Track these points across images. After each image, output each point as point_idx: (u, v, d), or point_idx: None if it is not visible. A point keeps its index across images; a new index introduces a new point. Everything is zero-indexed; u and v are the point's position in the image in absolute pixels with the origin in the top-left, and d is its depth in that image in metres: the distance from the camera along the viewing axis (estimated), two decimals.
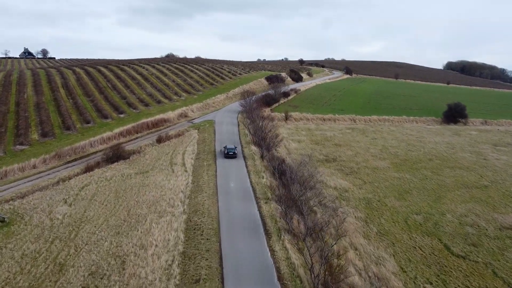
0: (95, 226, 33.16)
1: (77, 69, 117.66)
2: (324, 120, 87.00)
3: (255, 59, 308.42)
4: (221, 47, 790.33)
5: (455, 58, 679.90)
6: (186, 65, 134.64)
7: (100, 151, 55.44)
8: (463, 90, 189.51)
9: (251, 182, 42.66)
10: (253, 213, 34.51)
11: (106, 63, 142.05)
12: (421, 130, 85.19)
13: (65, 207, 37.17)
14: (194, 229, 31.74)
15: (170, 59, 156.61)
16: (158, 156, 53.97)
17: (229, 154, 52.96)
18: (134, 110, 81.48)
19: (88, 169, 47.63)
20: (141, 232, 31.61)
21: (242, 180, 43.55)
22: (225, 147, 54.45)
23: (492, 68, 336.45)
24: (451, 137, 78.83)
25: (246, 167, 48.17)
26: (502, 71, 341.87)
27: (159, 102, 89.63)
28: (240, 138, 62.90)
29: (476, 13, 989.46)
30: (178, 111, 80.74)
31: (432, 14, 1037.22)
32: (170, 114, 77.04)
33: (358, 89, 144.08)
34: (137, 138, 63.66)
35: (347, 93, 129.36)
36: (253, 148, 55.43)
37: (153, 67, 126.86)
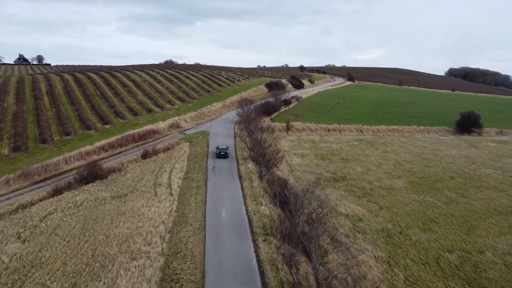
0: (48, 273, 26.07)
1: (66, 76, 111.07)
2: (328, 130, 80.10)
3: (255, 66, 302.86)
4: (221, 54, 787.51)
5: (455, 65, 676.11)
6: (182, 72, 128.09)
7: (76, 168, 48.37)
8: (469, 97, 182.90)
9: (247, 210, 35.50)
10: (248, 257, 27.30)
11: (98, 69, 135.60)
12: (434, 141, 78.25)
13: (17, 245, 30.09)
14: (172, 281, 24.61)
15: (165, 65, 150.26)
16: (141, 174, 46.96)
17: (221, 154, 53.81)
18: (121, 120, 74.59)
19: (57, 192, 40.61)
20: (103, 284, 24.53)
21: (236, 207, 36.44)
22: (217, 148, 55.37)
23: (495, 75, 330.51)
24: (468, 149, 71.86)
25: (242, 189, 41.07)
26: (506, 77, 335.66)
27: (150, 111, 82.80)
28: (236, 153, 55.91)
29: (474, 21, 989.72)
30: (170, 121, 73.88)
31: (431, 22, 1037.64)
32: (160, 125, 70.15)
33: (362, 96, 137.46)
34: (120, 152, 56.67)
35: (351, 100, 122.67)
36: (251, 165, 48.45)
37: (147, 73, 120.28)
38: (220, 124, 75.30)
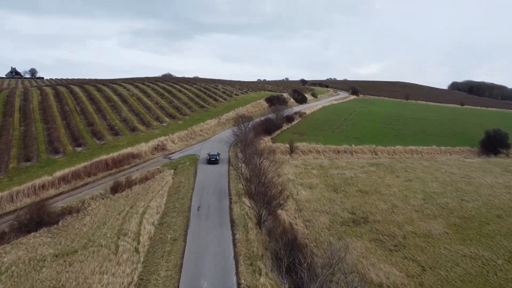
0: None
1: (47, 89, 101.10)
2: (338, 152, 69.47)
3: (255, 80, 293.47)
4: (221, 67, 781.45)
5: (455, 78, 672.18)
6: (175, 85, 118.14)
7: (23, 208, 37.54)
8: (482, 112, 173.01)
9: (239, 284, 24.52)
10: None
11: (85, 82, 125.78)
12: (461, 165, 67.53)
13: None
14: None
15: (158, 78, 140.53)
16: (104, 218, 36.16)
17: (211, 161, 54.12)
18: (97, 141, 64.09)
19: None
20: None
21: (223, 278, 25.42)
22: (208, 154, 55.75)
23: (502, 88, 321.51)
24: (504, 176, 61.08)
25: (234, 244, 30.08)
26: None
27: (133, 129, 72.34)
28: (229, 185, 45.08)
29: (473, 33, 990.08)
30: (154, 142, 63.35)
31: (429, 36, 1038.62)
32: (142, 147, 59.59)
33: (370, 111, 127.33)
34: (86, 184, 45.88)
35: (359, 116, 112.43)
36: (247, 204, 37.47)
37: (136, 87, 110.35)
38: (213, 146, 64.67)
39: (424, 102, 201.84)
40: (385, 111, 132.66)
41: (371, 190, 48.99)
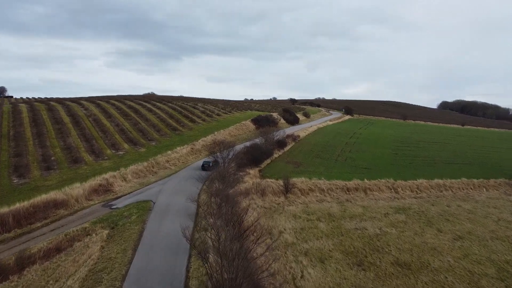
0: None
1: None
2: (348, 191, 52.32)
3: (241, 99, 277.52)
4: (208, 88, 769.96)
5: (439, 98, 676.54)
6: (145, 104, 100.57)
7: None
8: (488, 133, 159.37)
9: None
10: None
11: (41, 100, 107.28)
12: (509, 206, 51.12)
13: None
14: None
15: (127, 96, 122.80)
16: None
17: (204, 167, 53.42)
18: (15, 180, 45.78)
19: None
20: None
21: None
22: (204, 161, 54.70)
23: (496, 108, 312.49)
24: None
25: None
26: (507, 110, 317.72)
27: (75, 161, 54.28)
28: (188, 271, 26.81)
29: (455, 57, 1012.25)
30: (96, 180, 45.33)
31: (413, 58, 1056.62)
32: (74, 190, 41.49)
33: (372, 134, 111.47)
34: None
35: (361, 140, 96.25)
36: None
37: (98, 105, 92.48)
38: (178, 185, 46.82)
39: (422, 122, 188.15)
40: (388, 133, 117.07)
41: (414, 261, 31.62)
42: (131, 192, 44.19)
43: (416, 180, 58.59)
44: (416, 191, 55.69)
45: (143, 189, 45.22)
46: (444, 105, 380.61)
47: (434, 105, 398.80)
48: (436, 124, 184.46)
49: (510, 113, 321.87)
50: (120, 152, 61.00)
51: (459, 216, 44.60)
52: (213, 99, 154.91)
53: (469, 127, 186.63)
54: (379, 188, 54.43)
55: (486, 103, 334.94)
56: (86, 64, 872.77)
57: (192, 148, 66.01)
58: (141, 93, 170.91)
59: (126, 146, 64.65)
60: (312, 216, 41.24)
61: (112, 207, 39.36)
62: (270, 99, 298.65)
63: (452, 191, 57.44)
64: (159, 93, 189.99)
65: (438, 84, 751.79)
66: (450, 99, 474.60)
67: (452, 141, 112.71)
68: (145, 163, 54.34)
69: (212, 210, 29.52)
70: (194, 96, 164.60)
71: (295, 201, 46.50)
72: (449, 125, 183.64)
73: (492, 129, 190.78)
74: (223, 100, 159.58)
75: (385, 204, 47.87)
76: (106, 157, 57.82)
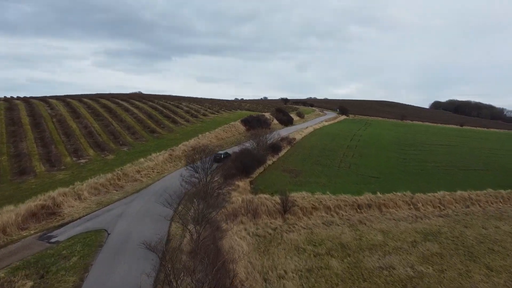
0: None
1: None
2: (359, 208, 42.66)
3: (232, 99, 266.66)
4: (199, 88, 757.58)
5: (428, 98, 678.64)
6: (122, 102, 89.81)
7: None
8: (490, 134, 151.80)
9: None
10: None
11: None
12: None
13: None
14: None
15: (102, 94, 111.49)
16: None
17: (216, 159, 52.88)
18: None
19: None
20: None
21: None
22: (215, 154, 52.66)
23: (491, 108, 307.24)
24: None
25: None
26: (501, 110, 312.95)
27: (22, 172, 43.68)
28: None
29: (443, 59, 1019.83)
30: (39, 199, 34.86)
31: (401, 58, 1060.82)
32: (4, 215, 30.98)
33: (373, 135, 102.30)
34: None
35: (362, 142, 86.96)
36: None
37: (67, 104, 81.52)
38: (147, 205, 36.59)
39: (420, 122, 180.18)
40: (390, 135, 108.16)
41: None
42: (83, 216, 33.81)
43: (437, 193, 49.18)
44: (439, 206, 46.29)
45: (100, 212, 34.87)
46: (437, 105, 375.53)
47: (426, 104, 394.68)
48: (434, 124, 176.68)
49: (504, 113, 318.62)
50: (82, 160, 50.47)
51: (504, 244, 35.25)
52: (200, 98, 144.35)
53: (468, 127, 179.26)
54: (396, 204, 44.88)
55: (480, 103, 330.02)
56: (75, 63, 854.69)
57: (170, 155, 55.73)
58: (128, 93, 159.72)
59: (91, 152, 54.12)
60: (320, 248, 31.41)
61: (51, 240, 29.01)
62: (261, 98, 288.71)
63: (480, 206, 48.23)
64: (147, 93, 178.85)
65: (426, 84, 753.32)
66: (438, 99, 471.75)
67: (457, 142, 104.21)
68: (109, 175, 43.92)
69: (184, 264, 19.44)
70: (183, 96, 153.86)
71: (296, 224, 36.61)
72: (447, 126, 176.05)
73: (491, 129, 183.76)
74: (210, 99, 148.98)
75: (408, 227, 38.28)
76: (63, 167, 47.27)
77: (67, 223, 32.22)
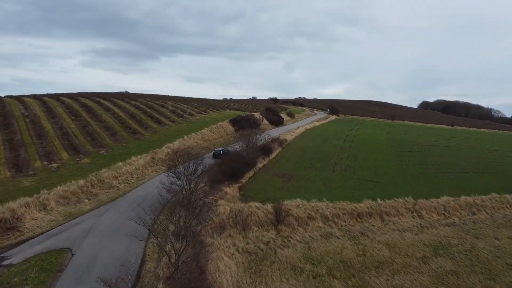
0: None
1: None
2: (359, 216, 38.89)
3: (220, 98, 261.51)
4: (186, 88, 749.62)
5: (414, 98, 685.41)
6: (104, 101, 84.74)
7: None
8: (482, 134, 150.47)
9: None
10: None
11: None
12: None
13: None
14: None
15: (82, 93, 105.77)
16: None
17: (215, 155, 54.92)
18: None
19: None
20: None
21: None
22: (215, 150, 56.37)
23: (479, 108, 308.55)
24: None
25: None
26: (489, 110, 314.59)
27: None
28: None
29: (428, 60, 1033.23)
30: None
31: (389, 60, 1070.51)
32: None
33: (366, 136, 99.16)
34: None
35: (356, 143, 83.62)
36: None
37: (43, 103, 76.20)
38: (122, 217, 32.07)
39: (411, 122, 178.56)
40: (383, 135, 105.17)
41: None
42: (46, 231, 29.24)
43: (440, 198, 45.75)
44: (444, 214, 42.80)
45: (67, 225, 30.31)
46: (425, 105, 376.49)
47: (414, 104, 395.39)
48: (426, 124, 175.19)
49: (492, 113, 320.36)
50: (54, 165, 45.65)
51: None
52: (187, 97, 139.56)
53: (459, 127, 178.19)
54: (398, 211, 41.23)
55: (468, 103, 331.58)
56: (61, 63, 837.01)
57: (152, 158, 51.23)
58: (112, 92, 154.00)
59: (65, 155, 49.29)
60: (320, 267, 27.43)
61: (3, 262, 24.43)
62: (250, 98, 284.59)
63: (487, 212, 44.94)
64: (134, 92, 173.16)
65: (412, 85, 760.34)
66: (424, 99, 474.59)
67: (452, 143, 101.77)
68: (82, 181, 39.30)
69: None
70: (169, 95, 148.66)
71: (291, 237, 32.58)
72: (438, 126, 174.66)
73: (482, 129, 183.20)
74: (198, 98, 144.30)
75: (415, 239, 34.59)
76: (31, 172, 42.44)
77: (25, 240, 27.63)
